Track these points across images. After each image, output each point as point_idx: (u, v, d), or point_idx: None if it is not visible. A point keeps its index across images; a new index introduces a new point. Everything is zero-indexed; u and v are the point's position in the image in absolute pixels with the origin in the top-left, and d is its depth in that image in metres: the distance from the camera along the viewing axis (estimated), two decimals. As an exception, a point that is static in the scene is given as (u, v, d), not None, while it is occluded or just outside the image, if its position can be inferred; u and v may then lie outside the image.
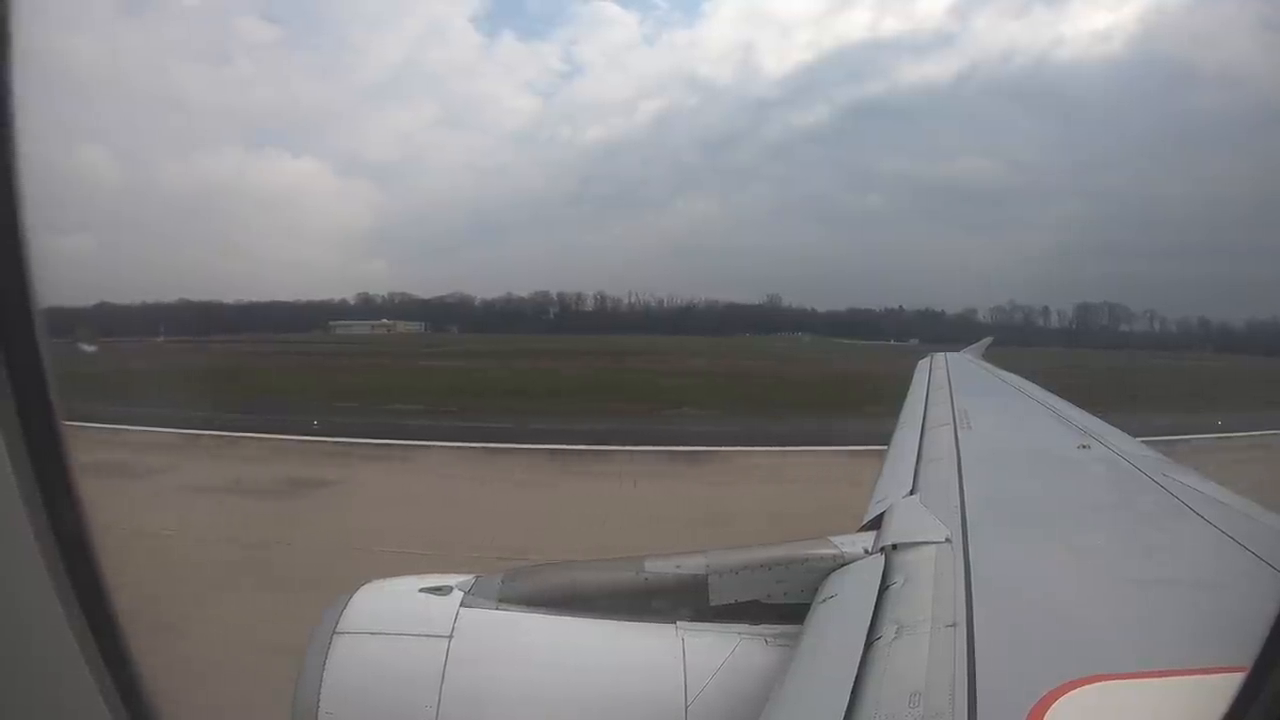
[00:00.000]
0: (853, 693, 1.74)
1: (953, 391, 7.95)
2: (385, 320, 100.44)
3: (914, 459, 4.50)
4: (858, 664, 1.86)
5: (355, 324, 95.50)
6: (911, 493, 3.65)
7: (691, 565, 2.72)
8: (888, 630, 2.02)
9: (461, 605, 2.54)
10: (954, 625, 1.99)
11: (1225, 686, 1.45)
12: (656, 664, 2.44)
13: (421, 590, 2.61)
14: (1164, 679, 1.75)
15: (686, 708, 2.34)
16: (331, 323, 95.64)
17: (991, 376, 10.95)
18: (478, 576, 2.71)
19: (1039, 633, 2.05)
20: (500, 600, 2.60)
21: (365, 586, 2.64)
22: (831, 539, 2.86)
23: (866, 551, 2.74)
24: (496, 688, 2.38)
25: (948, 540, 2.70)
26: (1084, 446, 4.84)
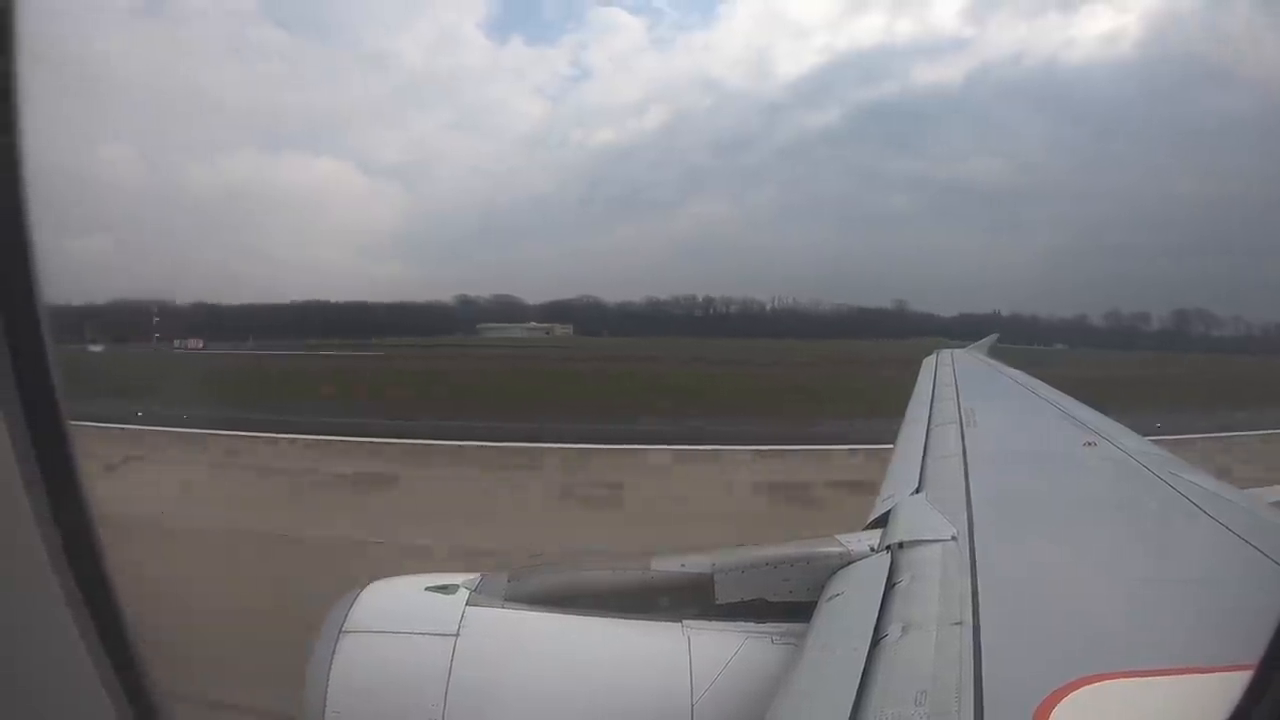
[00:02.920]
0: (859, 690, 1.74)
1: (959, 389, 7.93)
2: (533, 322, 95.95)
3: (920, 457, 4.49)
4: (864, 662, 1.86)
5: (509, 327, 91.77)
6: (917, 491, 3.64)
7: (697, 564, 2.71)
8: (894, 628, 2.02)
9: (468, 604, 2.54)
10: (960, 623, 1.98)
11: (1232, 685, 1.45)
12: (662, 662, 2.44)
13: (428, 589, 2.61)
14: (1171, 677, 1.75)
15: (692, 705, 2.34)
16: (480, 325, 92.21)
17: (998, 374, 10.92)
18: (483, 575, 2.71)
19: (1045, 631, 2.05)
20: (506, 599, 2.60)
21: (372, 585, 2.64)
22: (837, 537, 2.86)
23: (872, 549, 2.74)
24: (502, 686, 2.39)
25: (954, 538, 2.69)
26: (1090, 444, 4.82)
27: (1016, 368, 11.29)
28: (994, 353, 15.95)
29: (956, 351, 13.65)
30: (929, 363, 11.15)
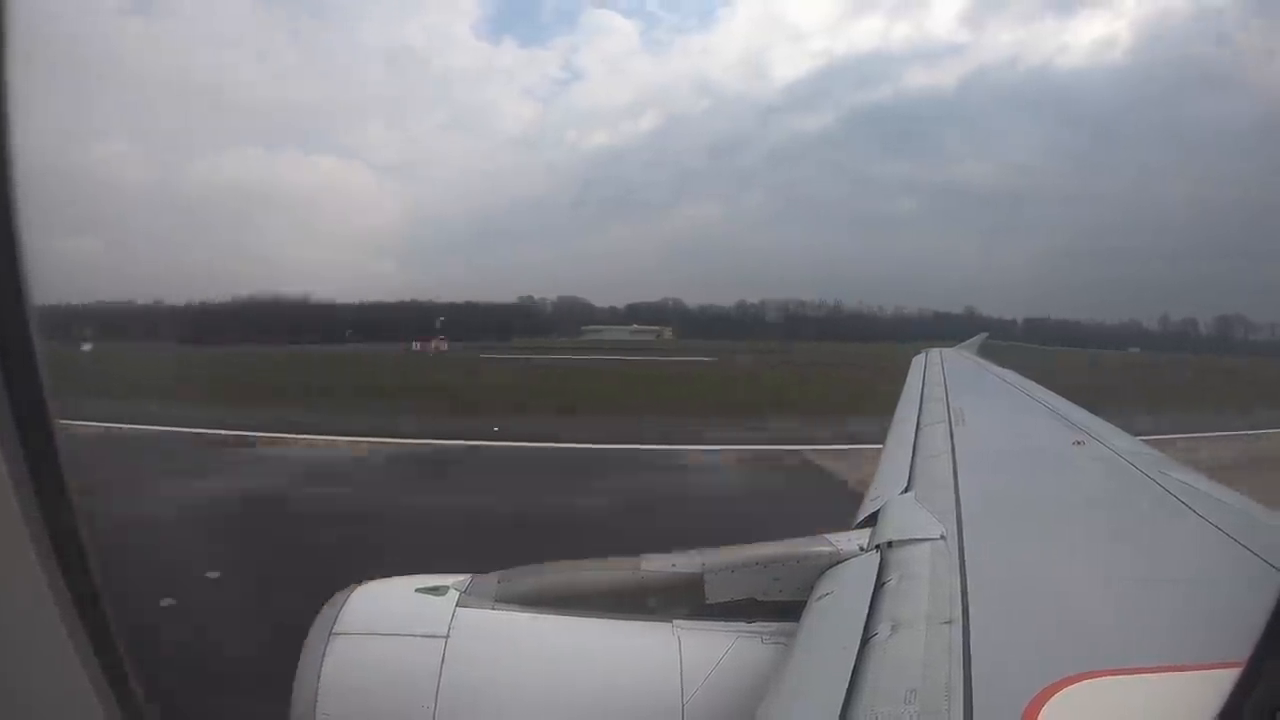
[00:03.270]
0: (848, 689, 1.74)
1: (948, 388, 7.98)
2: (636, 325, 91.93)
3: (909, 456, 4.51)
4: (853, 661, 1.87)
5: (614, 329, 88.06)
6: (907, 490, 3.66)
7: (687, 564, 2.72)
8: (883, 627, 2.03)
9: (458, 605, 2.54)
10: (949, 622, 1.99)
11: (1220, 682, 1.46)
12: (653, 662, 2.44)
13: (418, 590, 2.61)
14: (1159, 675, 1.76)
15: (683, 705, 2.34)
16: (584, 327, 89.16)
17: (987, 373, 10.99)
18: (474, 576, 2.70)
19: (1034, 629, 2.06)
20: (496, 600, 2.60)
21: (362, 587, 2.63)
22: (827, 536, 2.87)
23: (862, 549, 2.74)
24: (493, 687, 2.38)
25: (943, 537, 2.70)
26: (1078, 443, 4.86)
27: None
28: (984, 351, 16.08)
29: (946, 350, 13.74)
30: (918, 362, 11.21)
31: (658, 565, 2.73)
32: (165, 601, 7.91)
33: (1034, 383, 8.72)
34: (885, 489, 3.76)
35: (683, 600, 2.64)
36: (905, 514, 3.14)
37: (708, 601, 2.64)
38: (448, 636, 2.43)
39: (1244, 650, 1.44)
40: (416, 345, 66.35)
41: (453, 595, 2.58)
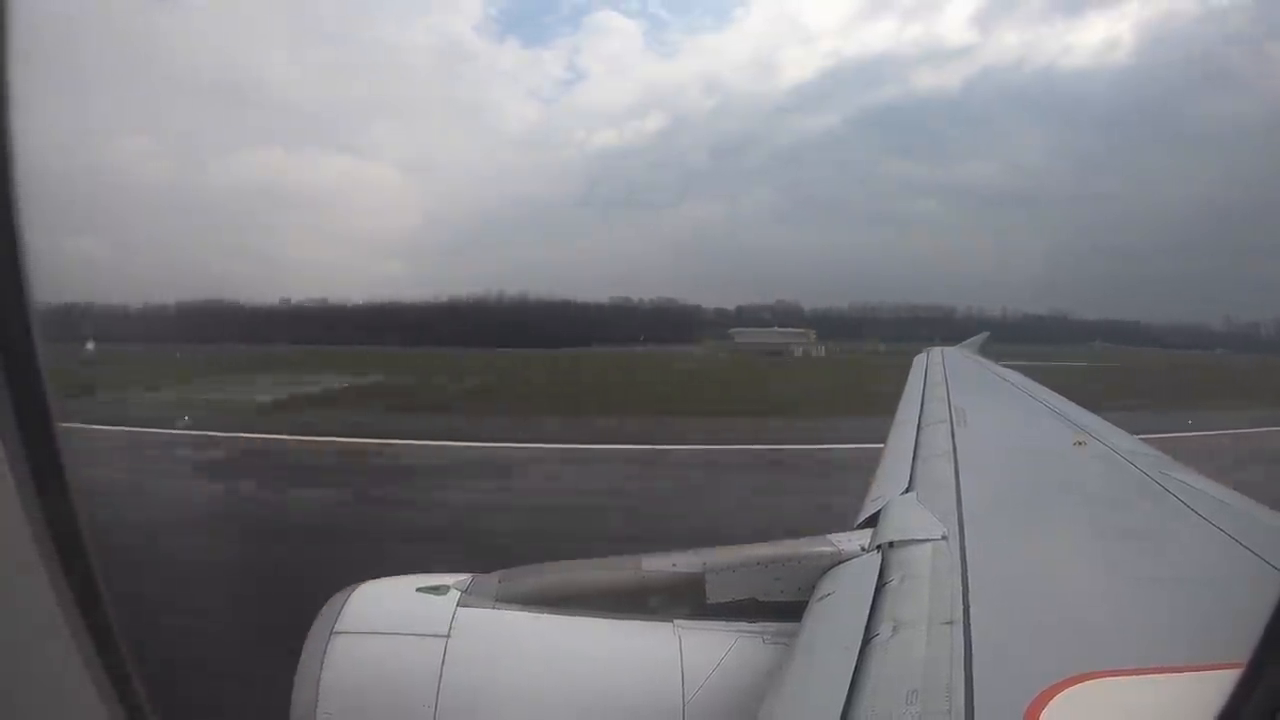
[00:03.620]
0: (850, 690, 1.74)
1: (949, 388, 7.97)
2: (777, 328, 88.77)
3: (910, 456, 4.51)
4: (855, 661, 1.87)
5: (764, 331, 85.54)
6: (908, 490, 3.66)
7: (688, 563, 2.72)
8: (885, 628, 2.03)
9: (459, 605, 2.54)
10: (951, 622, 1.99)
11: (1221, 683, 1.46)
12: (654, 662, 2.44)
13: (419, 590, 2.61)
14: (1160, 676, 1.76)
15: (684, 705, 2.34)
16: (732, 330, 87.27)
17: (988, 373, 10.99)
18: (474, 576, 2.71)
19: (1036, 630, 2.06)
20: (497, 600, 2.60)
21: (363, 586, 2.63)
22: (828, 536, 2.87)
23: (863, 549, 2.75)
24: (494, 687, 2.38)
25: (944, 537, 2.70)
26: (1079, 443, 4.86)
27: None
28: (985, 350, 16.09)
29: (947, 350, 13.74)
30: (919, 361, 11.22)
31: (659, 565, 2.73)
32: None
33: (1035, 382, 8.71)
34: (887, 489, 3.76)
35: (684, 600, 2.64)
36: (907, 514, 3.14)
37: (709, 601, 2.64)
38: (449, 636, 2.43)
39: (1245, 651, 1.44)
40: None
41: (454, 595, 2.58)
